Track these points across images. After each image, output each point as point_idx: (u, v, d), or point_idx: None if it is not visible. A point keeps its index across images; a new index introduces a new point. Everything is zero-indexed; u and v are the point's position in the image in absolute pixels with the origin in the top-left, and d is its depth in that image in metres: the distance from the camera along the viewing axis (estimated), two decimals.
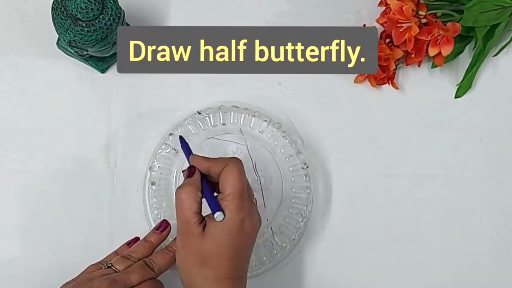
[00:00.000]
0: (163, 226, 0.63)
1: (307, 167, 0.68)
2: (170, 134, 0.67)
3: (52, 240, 0.66)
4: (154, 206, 0.66)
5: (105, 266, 0.58)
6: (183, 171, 0.59)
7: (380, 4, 0.69)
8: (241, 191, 0.55)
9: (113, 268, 0.58)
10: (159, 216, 0.66)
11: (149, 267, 0.58)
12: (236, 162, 0.56)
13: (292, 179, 0.68)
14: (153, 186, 0.66)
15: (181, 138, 0.62)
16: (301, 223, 0.67)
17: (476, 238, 0.71)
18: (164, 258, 0.60)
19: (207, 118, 0.68)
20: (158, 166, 0.67)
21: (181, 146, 0.62)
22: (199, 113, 0.68)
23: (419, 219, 0.70)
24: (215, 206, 0.55)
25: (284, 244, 0.67)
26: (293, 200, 0.68)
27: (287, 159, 0.69)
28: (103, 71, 0.69)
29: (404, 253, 0.70)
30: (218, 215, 0.54)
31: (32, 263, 0.65)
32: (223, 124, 0.68)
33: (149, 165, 0.67)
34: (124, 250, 0.62)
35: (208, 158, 0.58)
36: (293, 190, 0.68)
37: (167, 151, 0.67)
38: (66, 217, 0.67)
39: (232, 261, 0.55)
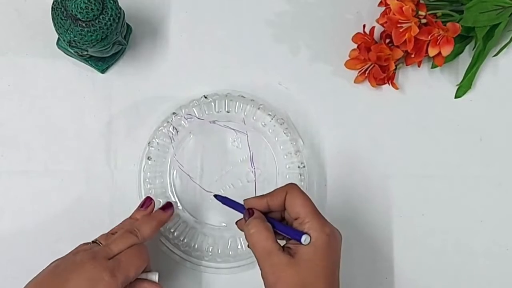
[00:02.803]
0: (147, 203, 0.63)
1: (304, 166, 0.68)
2: (174, 114, 0.68)
3: (52, 240, 0.66)
4: (147, 180, 0.66)
5: (92, 242, 0.59)
6: (236, 222, 0.58)
7: (380, 4, 0.69)
8: (315, 208, 0.54)
9: (97, 242, 0.58)
10: (150, 192, 0.66)
11: (131, 233, 0.58)
12: (293, 185, 0.56)
13: (287, 176, 0.68)
14: (149, 161, 0.67)
15: (216, 196, 0.62)
16: None
17: (476, 238, 0.71)
18: (149, 225, 0.59)
19: (212, 103, 0.68)
20: (157, 143, 0.67)
21: (225, 203, 0.61)
22: (205, 97, 0.68)
23: (419, 219, 0.70)
24: (296, 232, 0.53)
25: None
26: None
27: (285, 156, 0.69)
28: (103, 71, 0.69)
29: (404, 253, 0.70)
30: (305, 238, 0.52)
31: (32, 264, 0.65)
32: (227, 112, 0.69)
33: (148, 141, 0.67)
34: (137, 214, 0.62)
35: (262, 195, 0.57)
36: None
37: (169, 128, 0.67)
38: (66, 217, 0.67)
39: (328, 282, 0.53)
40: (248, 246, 0.56)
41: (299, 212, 0.54)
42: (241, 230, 0.57)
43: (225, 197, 0.61)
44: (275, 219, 0.57)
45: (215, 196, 0.62)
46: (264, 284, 0.54)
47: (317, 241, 0.53)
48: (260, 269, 0.54)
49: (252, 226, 0.54)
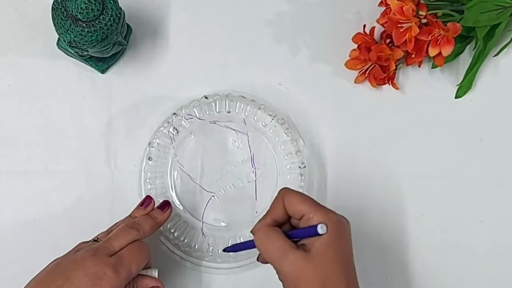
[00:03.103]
0: (147, 201, 0.63)
1: (304, 167, 0.68)
2: (174, 114, 0.68)
3: (52, 240, 0.66)
4: (148, 181, 0.67)
5: (92, 240, 0.59)
6: (257, 259, 0.58)
7: (381, 4, 0.69)
8: (314, 201, 0.54)
9: (97, 240, 0.58)
10: (151, 192, 0.66)
11: (132, 228, 0.58)
12: (285, 188, 0.56)
13: (288, 176, 0.68)
14: (150, 162, 0.67)
15: (226, 249, 0.62)
16: None
17: (476, 238, 0.71)
18: (150, 223, 0.60)
19: (212, 104, 0.68)
20: (158, 143, 0.67)
21: (238, 250, 0.61)
22: (206, 97, 0.68)
23: (419, 219, 0.70)
24: (309, 229, 0.52)
25: None
26: None
27: (286, 156, 0.69)
28: (103, 71, 0.69)
29: (404, 253, 0.70)
30: (321, 226, 0.51)
31: (32, 264, 0.65)
32: (228, 112, 0.69)
33: (149, 141, 0.68)
34: (137, 212, 0.62)
35: (263, 216, 0.56)
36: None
37: (170, 129, 0.67)
38: (66, 217, 0.67)
39: (346, 270, 0.53)
40: (258, 259, 0.57)
41: (301, 209, 0.54)
42: (265, 262, 0.56)
43: (234, 245, 0.62)
44: (286, 231, 0.55)
45: (224, 250, 0.63)
46: (284, 286, 0.53)
47: (328, 231, 0.52)
48: (278, 272, 0.53)
49: (260, 232, 0.54)
